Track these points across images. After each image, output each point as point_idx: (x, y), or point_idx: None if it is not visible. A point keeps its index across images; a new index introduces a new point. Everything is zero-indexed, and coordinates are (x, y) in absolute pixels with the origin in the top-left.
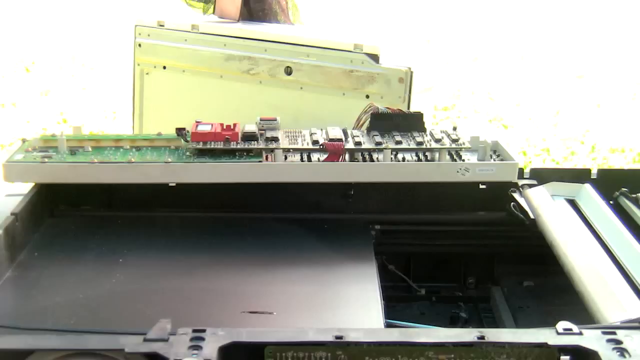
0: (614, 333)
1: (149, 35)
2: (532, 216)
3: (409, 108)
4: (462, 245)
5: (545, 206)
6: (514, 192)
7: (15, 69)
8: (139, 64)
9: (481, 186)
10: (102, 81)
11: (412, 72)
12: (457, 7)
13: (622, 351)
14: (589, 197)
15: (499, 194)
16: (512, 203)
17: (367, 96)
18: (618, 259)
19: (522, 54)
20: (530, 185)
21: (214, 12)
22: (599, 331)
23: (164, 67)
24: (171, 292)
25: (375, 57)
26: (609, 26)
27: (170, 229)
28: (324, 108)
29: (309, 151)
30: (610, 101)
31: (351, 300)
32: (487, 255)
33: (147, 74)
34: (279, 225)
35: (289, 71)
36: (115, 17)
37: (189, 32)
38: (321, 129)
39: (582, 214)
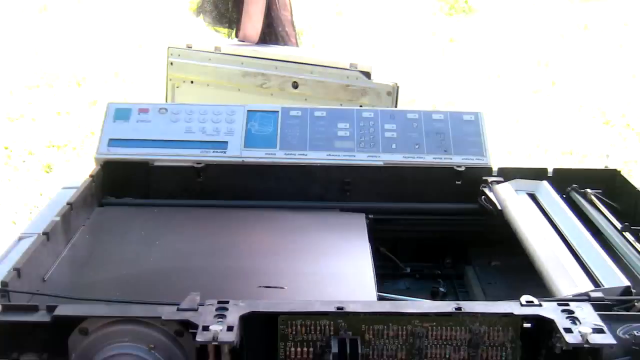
0: (568, 305)
1: (179, 55)
2: (499, 207)
3: None
4: (441, 232)
5: (510, 199)
6: (485, 187)
7: (69, 83)
8: (170, 79)
9: (457, 182)
10: (139, 94)
11: (398, 87)
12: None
13: (574, 319)
14: (547, 192)
15: (472, 189)
16: (482, 196)
17: (361, 106)
18: (570, 243)
19: (489, 73)
20: (498, 182)
21: (236, 36)
22: (555, 303)
23: (192, 82)
24: (199, 270)
25: (367, 74)
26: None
27: (198, 216)
28: None
29: None
30: (560, 112)
31: (349, 277)
32: (462, 239)
33: (177, 87)
34: (289, 213)
35: (295, 85)
36: (150, 40)
37: (213, 52)
38: None
39: (541, 206)
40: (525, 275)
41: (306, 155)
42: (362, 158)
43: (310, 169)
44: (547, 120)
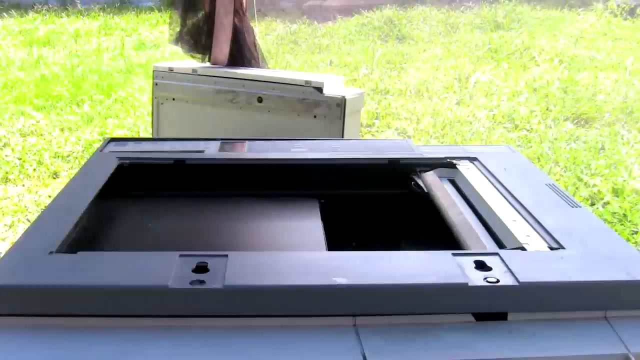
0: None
1: (162, 77)
2: (426, 191)
3: (343, 125)
4: (380, 212)
5: (435, 184)
6: (414, 175)
7: (70, 104)
8: (156, 97)
9: (392, 171)
10: (129, 112)
11: (346, 99)
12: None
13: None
14: (463, 178)
15: (404, 177)
16: (412, 182)
17: (315, 116)
18: (481, 216)
19: (420, 89)
20: (425, 170)
21: (209, 60)
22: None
23: (173, 99)
24: (185, 246)
25: (320, 90)
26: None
27: (181, 204)
28: (284, 125)
29: None
30: (477, 120)
31: (306, 248)
32: (397, 217)
33: (161, 104)
34: (256, 200)
35: (260, 100)
36: (135, 67)
37: (190, 74)
38: None
39: (459, 188)
40: (445, 243)
41: (269, 155)
42: (314, 156)
43: (274, 166)
44: (468, 126)
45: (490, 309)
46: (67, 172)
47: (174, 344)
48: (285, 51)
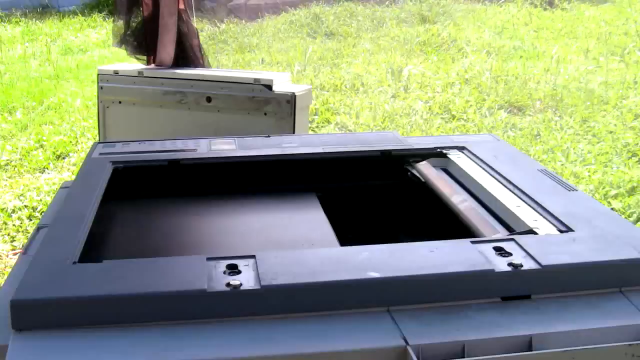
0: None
1: (107, 80)
2: (423, 180)
3: (294, 122)
4: (379, 202)
5: (431, 173)
6: (408, 166)
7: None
8: (101, 101)
9: (385, 162)
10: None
11: (295, 96)
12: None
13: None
14: (456, 166)
15: (398, 168)
16: (409, 173)
17: (265, 113)
18: (483, 202)
19: (355, 83)
20: (418, 161)
21: (154, 62)
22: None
23: (120, 102)
24: (189, 246)
25: (269, 87)
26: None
27: (177, 205)
28: (235, 124)
29: None
30: (415, 111)
31: (316, 239)
32: (396, 207)
33: (107, 107)
34: (256, 197)
35: (209, 100)
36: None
37: (136, 76)
38: None
39: (453, 177)
40: (451, 232)
41: (263, 151)
42: (307, 151)
43: (269, 162)
44: (407, 118)
45: (515, 292)
46: (7, 182)
47: (217, 344)
48: (215, 51)
